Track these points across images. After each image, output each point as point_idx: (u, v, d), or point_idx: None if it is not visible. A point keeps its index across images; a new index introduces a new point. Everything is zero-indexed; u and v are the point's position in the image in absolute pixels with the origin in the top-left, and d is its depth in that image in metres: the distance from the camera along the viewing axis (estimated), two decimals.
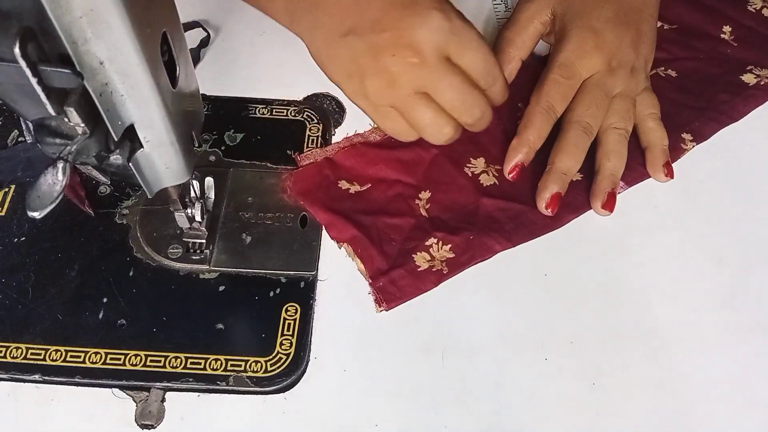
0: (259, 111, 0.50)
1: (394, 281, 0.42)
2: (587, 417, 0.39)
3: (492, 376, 0.40)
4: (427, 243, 0.44)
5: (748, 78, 0.53)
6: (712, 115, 0.51)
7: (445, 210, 0.46)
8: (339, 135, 0.49)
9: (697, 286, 0.44)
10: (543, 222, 0.46)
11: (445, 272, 0.43)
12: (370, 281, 0.43)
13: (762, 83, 0.53)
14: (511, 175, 0.46)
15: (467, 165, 0.48)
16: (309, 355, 0.40)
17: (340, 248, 0.44)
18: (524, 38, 0.50)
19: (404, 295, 0.42)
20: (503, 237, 0.45)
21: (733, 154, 0.50)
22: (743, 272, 0.44)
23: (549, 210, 0.45)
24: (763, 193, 0.48)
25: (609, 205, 0.45)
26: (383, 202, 0.46)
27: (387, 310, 0.42)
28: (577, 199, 0.46)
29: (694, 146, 0.49)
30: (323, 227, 0.44)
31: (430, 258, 0.43)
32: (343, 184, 0.46)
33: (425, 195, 0.46)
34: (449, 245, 0.44)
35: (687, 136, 0.50)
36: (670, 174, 0.47)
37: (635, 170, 0.48)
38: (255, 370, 0.39)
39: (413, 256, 0.43)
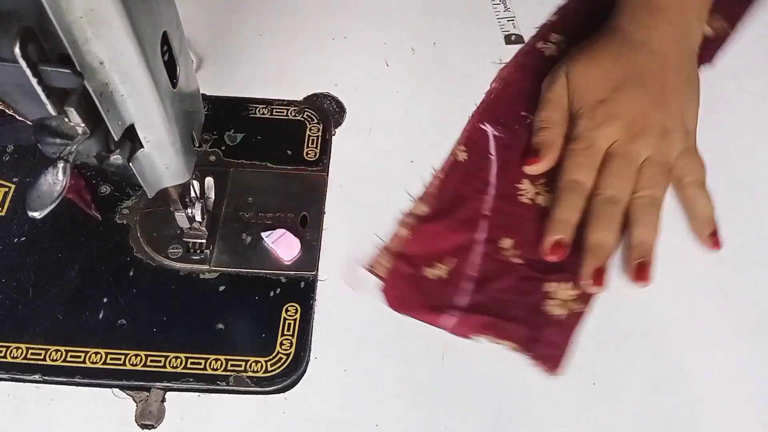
0: (259, 111, 0.50)
1: (550, 343, 0.41)
2: (587, 417, 0.39)
3: (492, 376, 0.40)
4: (547, 290, 0.42)
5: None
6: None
7: (536, 248, 0.44)
8: (339, 135, 0.49)
9: (697, 286, 0.44)
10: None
11: (582, 309, 0.42)
12: (529, 354, 0.41)
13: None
14: (552, 257, 0.43)
15: (518, 194, 0.46)
16: (309, 355, 0.40)
17: (480, 341, 0.41)
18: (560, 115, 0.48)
19: (563, 350, 0.41)
20: None
21: (733, 154, 0.50)
22: (743, 272, 0.44)
23: (596, 288, 0.42)
24: (763, 193, 0.48)
25: (641, 275, 0.42)
26: (478, 271, 0.43)
27: (562, 373, 0.40)
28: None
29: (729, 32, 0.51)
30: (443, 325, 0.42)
31: (561, 302, 0.42)
32: (430, 273, 0.43)
33: (508, 243, 0.44)
34: (570, 283, 0.43)
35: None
36: (716, 245, 0.44)
37: None
38: (255, 370, 0.39)
39: (545, 308, 0.42)
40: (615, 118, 0.45)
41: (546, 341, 0.41)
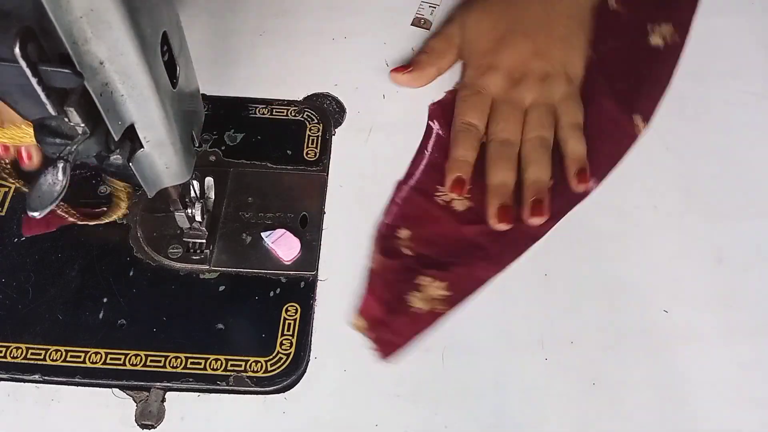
0: (259, 111, 0.50)
1: (395, 331, 0.41)
2: (587, 417, 0.39)
3: (492, 376, 0.40)
4: (419, 282, 0.43)
5: (655, 40, 0.53)
6: (645, 90, 0.51)
7: (430, 245, 0.45)
8: (339, 135, 0.49)
9: (697, 286, 0.44)
10: (525, 237, 0.45)
11: (444, 311, 0.42)
12: (370, 335, 0.41)
13: (669, 42, 0.53)
14: (454, 193, 0.46)
15: (436, 194, 0.47)
16: (309, 355, 0.40)
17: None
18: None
19: (404, 342, 0.41)
20: (491, 263, 0.44)
21: (732, 154, 0.50)
22: (743, 272, 0.44)
23: (503, 224, 0.44)
24: (763, 194, 0.48)
25: (537, 212, 0.45)
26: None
27: (386, 359, 0.41)
28: (552, 207, 0.45)
29: (645, 126, 0.50)
30: None
31: (427, 298, 0.42)
32: None
33: (405, 234, 0.45)
34: (445, 283, 0.43)
35: (637, 117, 0.50)
36: (583, 181, 0.46)
37: (599, 164, 0.48)
38: (255, 370, 0.39)
39: (407, 298, 0.42)
40: (495, 68, 0.49)
41: (393, 328, 0.41)
